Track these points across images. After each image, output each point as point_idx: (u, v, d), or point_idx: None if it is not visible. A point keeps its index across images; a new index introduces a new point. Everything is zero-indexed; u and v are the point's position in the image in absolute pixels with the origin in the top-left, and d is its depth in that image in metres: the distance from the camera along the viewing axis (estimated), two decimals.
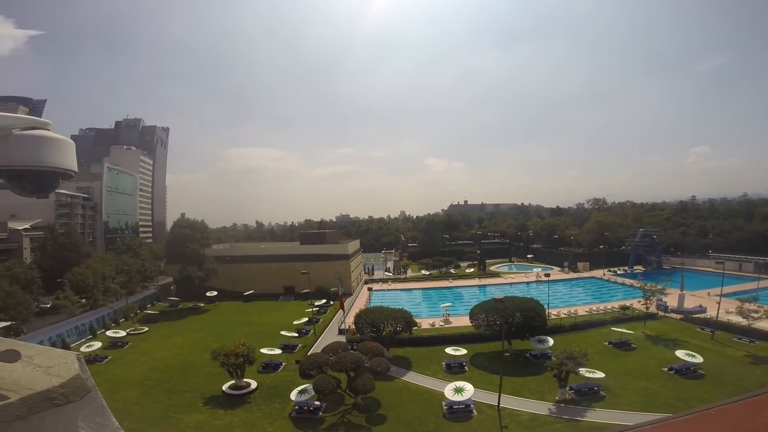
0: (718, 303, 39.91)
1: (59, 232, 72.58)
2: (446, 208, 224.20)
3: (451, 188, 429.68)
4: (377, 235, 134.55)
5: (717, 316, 38.85)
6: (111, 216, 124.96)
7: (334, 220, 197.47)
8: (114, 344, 41.65)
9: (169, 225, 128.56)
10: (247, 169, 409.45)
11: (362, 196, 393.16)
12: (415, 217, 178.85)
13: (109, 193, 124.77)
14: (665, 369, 30.38)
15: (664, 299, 46.16)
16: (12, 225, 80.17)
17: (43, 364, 1.71)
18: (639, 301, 45.74)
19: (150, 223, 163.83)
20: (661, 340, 37.09)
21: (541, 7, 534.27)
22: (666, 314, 45.50)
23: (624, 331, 37.89)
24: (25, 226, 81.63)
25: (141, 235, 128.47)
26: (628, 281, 65.42)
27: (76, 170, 2.51)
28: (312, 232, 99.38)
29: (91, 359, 36.04)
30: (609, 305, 49.53)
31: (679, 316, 44.54)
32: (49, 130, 2.40)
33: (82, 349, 37.80)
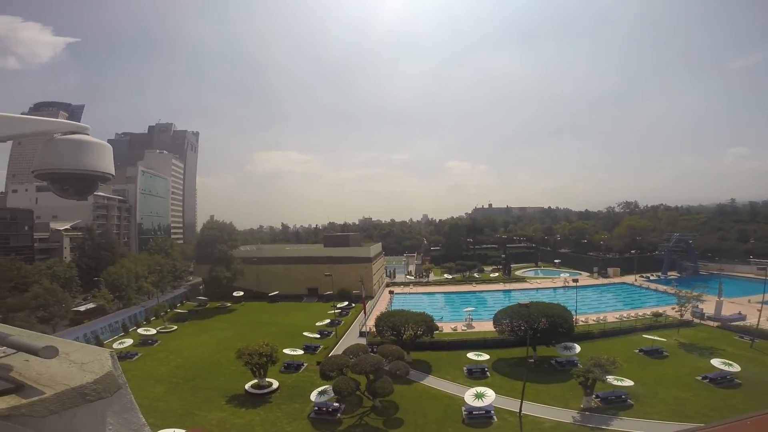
0: (759, 310, 37.99)
1: (96, 233, 76.13)
2: (470, 212, 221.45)
3: (474, 191, 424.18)
4: (399, 239, 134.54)
5: (758, 324, 36.93)
6: (144, 218, 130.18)
7: (357, 223, 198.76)
8: (144, 342, 43.02)
9: (198, 227, 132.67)
10: (273, 172, 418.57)
11: (385, 200, 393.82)
12: (437, 220, 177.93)
13: (143, 196, 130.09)
14: (699, 378, 29.15)
15: (700, 306, 44.21)
16: (54, 225, 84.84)
17: (78, 361, 1.76)
18: (673, 308, 43.94)
19: (181, 225, 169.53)
20: (695, 348, 35.53)
21: (562, 6, 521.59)
22: (702, 322, 43.57)
23: (656, 338, 36.47)
24: (66, 227, 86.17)
25: (172, 236, 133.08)
26: (661, 287, 62.80)
27: (114, 174, 2.60)
28: (335, 234, 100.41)
29: (122, 356, 37.34)
30: (640, 312, 47.84)
31: (715, 324, 42.62)
32: (88, 134, 2.48)
33: (115, 345, 39.20)
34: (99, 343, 41.07)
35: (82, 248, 70.25)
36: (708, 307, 44.76)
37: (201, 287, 70.99)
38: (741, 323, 41.04)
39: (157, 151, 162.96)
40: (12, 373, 1.60)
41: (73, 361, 1.74)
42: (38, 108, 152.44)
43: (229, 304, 61.78)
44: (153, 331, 45.42)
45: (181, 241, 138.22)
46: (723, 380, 28.17)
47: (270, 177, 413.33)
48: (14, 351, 1.69)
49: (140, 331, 45.34)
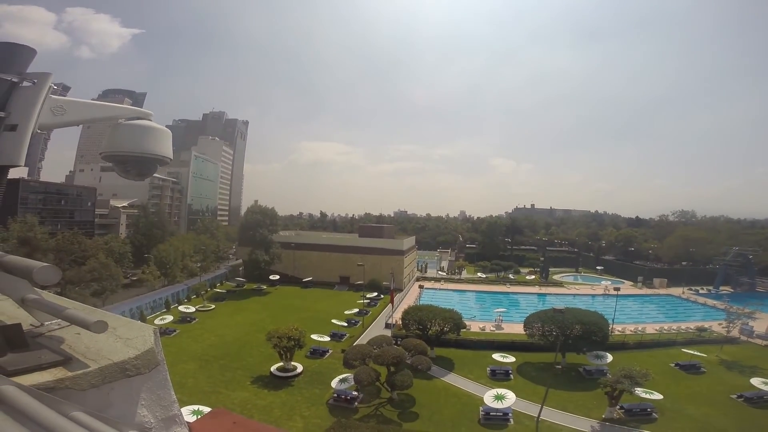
0: None
1: (150, 211, 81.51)
2: (510, 211, 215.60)
3: (517, 190, 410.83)
4: (434, 234, 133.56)
5: None
6: (194, 199, 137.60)
7: (392, 215, 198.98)
8: (183, 319, 44.76)
9: (243, 211, 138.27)
10: (316, 162, 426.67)
11: (422, 194, 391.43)
12: (475, 218, 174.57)
13: (194, 179, 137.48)
14: (734, 396, 27.58)
15: (751, 323, 41.30)
16: (113, 203, 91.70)
17: (124, 336, 1.84)
18: (720, 324, 41.40)
19: (227, 208, 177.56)
20: (737, 366, 33.50)
21: (626, 3, 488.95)
22: (750, 339, 40.77)
23: (695, 353, 34.41)
24: (123, 204, 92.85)
25: (218, 219, 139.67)
26: (710, 302, 59.05)
27: (172, 158, 2.86)
28: (370, 225, 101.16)
29: (162, 332, 38.66)
30: (683, 325, 45.21)
31: (764, 343, 39.90)
32: (150, 120, 2.71)
33: (156, 321, 40.94)
34: (143, 318, 43.20)
35: (137, 225, 75.27)
36: (759, 325, 41.78)
37: (240, 269, 74.03)
38: None
39: (210, 137, 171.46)
40: (63, 345, 1.70)
41: (119, 336, 1.83)
42: (106, 95, 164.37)
43: (264, 287, 63.89)
44: (192, 309, 47.10)
45: (226, 224, 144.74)
46: (759, 400, 26.65)
47: (313, 166, 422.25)
48: (68, 324, 1.78)
49: (181, 308, 47.15)
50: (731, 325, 40.07)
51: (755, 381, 27.56)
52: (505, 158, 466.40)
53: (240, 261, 76.30)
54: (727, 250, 75.63)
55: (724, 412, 25.47)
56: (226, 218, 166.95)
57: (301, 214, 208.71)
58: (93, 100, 2.77)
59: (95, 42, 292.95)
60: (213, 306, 51.97)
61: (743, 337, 40.93)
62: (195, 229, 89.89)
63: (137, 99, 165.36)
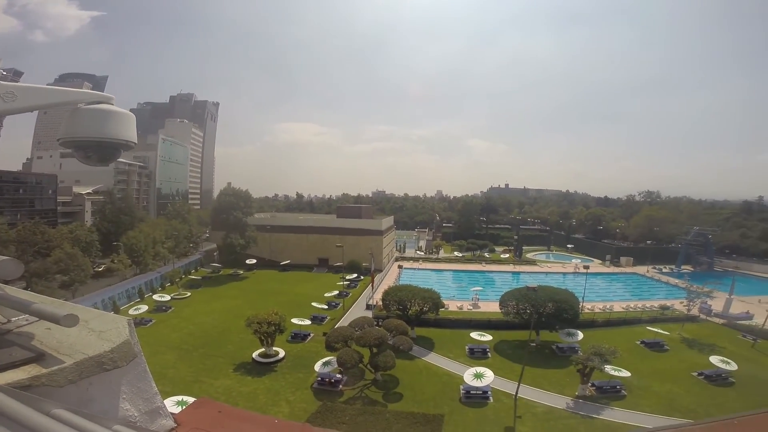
0: None
1: (117, 197, 78.21)
2: (485, 191, 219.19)
3: (492, 170, 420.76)
4: (412, 213, 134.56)
5: (764, 324, 36.43)
6: (163, 183, 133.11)
7: (370, 195, 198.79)
8: (159, 308, 43.79)
9: (216, 193, 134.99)
10: (291, 143, 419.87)
11: (400, 174, 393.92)
12: (452, 197, 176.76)
13: (163, 162, 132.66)
14: (695, 374, 29.15)
15: (709, 302, 43.50)
16: (76, 189, 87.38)
17: (97, 329, 1.78)
18: (681, 302, 43.52)
19: (198, 191, 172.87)
20: (697, 344, 35.34)
21: None
22: (708, 318, 42.94)
23: (659, 331, 36.37)
24: (88, 191, 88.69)
25: (190, 202, 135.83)
26: (673, 280, 61.85)
27: (136, 142, 2.70)
28: (348, 206, 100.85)
29: (137, 322, 37.75)
30: (648, 304, 47.37)
31: (721, 321, 42.01)
32: (112, 104, 2.57)
33: (131, 312, 39.95)
34: (116, 309, 42.12)
35: (103, 212, 72.13)
36: (717, 303, 44.02)
37: (215, 254, 72.64)
38: (747, 322, 40.37)
39: (178, 120, 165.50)
40: (33, 341, 1.63)
41: (91, 329, 1.77)
42: (63, 79, 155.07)
43: (241, 272, 63.04)
44: (167, 298, 46.13)
45: (198, 207, 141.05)
46: (717, 378, 28.14)
47: (288, 147, 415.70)
48: (36, 319, 1.73)
49: (155, 297, 46.11)
50: (691, 303, 42.09)
51: (713, 359, 29.10)
52: (481, 139, 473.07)
53: (214, 246, 74.78)
54: (689, 229, 79.28)
55: (686, 390, 26.94)
56: (198, 202, 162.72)
57: (276, 195, 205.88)
58: (49, 85, 2.60)
59: (51, 26, 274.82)
60: (189, 293, 50.90)
61: (702, 316, 43.08)
62: (165, 214, 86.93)
63: (98, 83, 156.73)
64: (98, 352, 1.60)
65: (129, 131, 2.62)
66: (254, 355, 30.86)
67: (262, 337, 30.38)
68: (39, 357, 1.52)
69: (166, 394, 21.32)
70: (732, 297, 44.33)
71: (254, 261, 66.73)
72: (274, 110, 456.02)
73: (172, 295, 48.36)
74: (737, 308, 43.81)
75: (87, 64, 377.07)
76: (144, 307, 42.04)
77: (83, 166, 3.05)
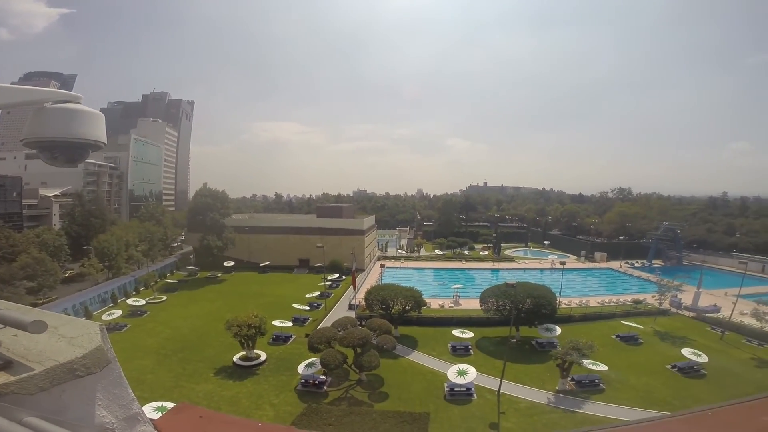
0: (734, 303, 38.93)
1: (87, 199, 75.25)
2: (465, 189, 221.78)
3: (471, 169, 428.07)
4: (393, 212, 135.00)
5: (730, 317, 37.98)
6: (136, 184, 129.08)
7: (351, 194, 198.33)
8: (134, 313, 42.61)
9: (191, 194, 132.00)
10: (271, 142, 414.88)
11: (381, 173, 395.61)
12: (432, 195, 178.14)
13: (135, 163, 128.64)
14: (669, 366, 30.04)
15: (679, 296, 45.14)
16: (43, 192, 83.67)
17: (67, 335, 1.73)
18: (653, 296, 44.97)
19: (173, 192, 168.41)
20: (669, 337, 36.53)
21: None
22: (679, 311, 44.48)
23: (633, 325, 37.41)
24: (55, 193, 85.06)
25: (164, 203, 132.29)
26: (644, 275, 63.99)
27: (106, 142, 2.64)
28: (329, 205, 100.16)
29: (111, 328, 36.86)
30: (622, 298, 48.82)
31: (691, 314, 43.53)
32: (79, 103, 2.50)
33: (104, 317, 38.69)
34: (88, 314, 40.77)
35: (72, 215, 69.38)
36: (686, 297, 45.67)
37: (191, 256, 71.03)
38: (715, 315, 41.94)
39: (151, 119, 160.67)
40: (0, 349, 1.59)
41: (62, 336, 1.72)
42: (29, 78, 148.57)
43: (219, 274, 61.96)
44: (142, 302, 44.97)
45: (173, 209, 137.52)
46: (690, 370, 29.10)
47: (267, 146, 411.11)
48: (2, 326, 1.67)
49: (129, 301, 44.87)
50: (662, 297, 43.61)
51: (686, 351, 29.99)
52: (461, 138, 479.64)
53: (190, 248, 73.07)
54: (659, 225, 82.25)
55: (662, 382, 27.81)
56: (173, 203, 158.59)
57: (254, 196, 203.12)
58: (13, 84, 2.48)
59: (16, 23, 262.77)
60: (164, 297, 49.73)
61: (673, 309, 44.61)
62: (139, 216, 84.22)
63: (66, 82, 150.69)
64: (69, 359, 1.54)
65: (97, 131, 2.55)
66: (235, 358, 30.31)
67: (243, 340, 29.87)
68: (6, 365, 1.47)
69: (145, 400, 20.80)
70: (700, 290, 46.13)
71: (232, 263, 65.58)
72: (252, 108, 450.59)
73: (147, 299, 47.23)
74: (705, 301, 45.55)
75: (55, 62, 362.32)
76: (118, 312, 40.93)
77: (50, 167, 2.93)
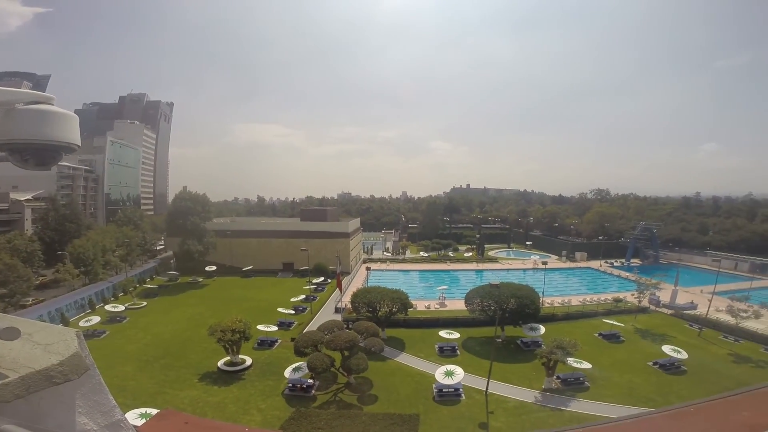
0: (710, 300, 40.08)
1: (61, 204, 72.75)
2: (448, 191, 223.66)
3: (454, 171, 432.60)
4: (378, 215, 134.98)
5: (707, 314, 39.09)
6: (113, 188, 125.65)
7: (336, 197, 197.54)
8: (112, 319, 41.71)
9: (171, 198, 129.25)
10: (253, 144, 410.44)
11: (365, 175, 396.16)
12: (416, 198, 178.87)
13: (112, 166, 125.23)
14: (650, 363, 30.66)
15: (657, 294, 46.36)
16: (14, 196, 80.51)
17: (42, 342, 1.70)
18: (632, 295, 46.02)
19: (151, 196, 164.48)
20: (649, 335, 37.36)
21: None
22: (657, 309, 45.63)
23: (614, 323, 38.22)
24: (27, 197, 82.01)
25: (142, 208, 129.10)
26: (624, 274, 65.48)
27: (80, 144, 2.52)
28: (313, 208, 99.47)
29: (89, 334, 36.14)
30: (602, 297, 49.83)
31: (669, 312, 44.64)
32: (52, 104, 2.41)
33: (81, 323, 37.96)
34: (64, 321, 39.92)
35: (45, 220, 67.08)
36: (664, 294, 46.94)
37: (172, 261, 69.54)
38: (692, 312, 43.18)
39: (128, 121, 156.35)
40: None
41: (36, 342, 1.69)
42: (0, 78, 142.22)
43: (201, 279, 60.89)
44: (121, 308, 44.01)
45: (152, 213, 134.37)
46: (671, 366, 29.79)
47: (249, 149, 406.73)
48: None
49: (108, 307, 43.97)
50: (641, 295, 44.66)
51: (666, 348, 30.80)
52: (444, 141, 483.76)
53: (170, 253, 71.48)
54: (636, 224, 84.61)
55: (644, 379, 28.37)
56: (152, 207, 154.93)
57: (236, 199, 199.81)
58: None
59: None
60: (144, 303, 48.63)
61: (652, 307, 45.78)
62: (116, 220, 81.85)
63: (39, 82, 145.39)
64: (45, 366, 1.51)
65: (71, 133, 2.44)
66: (219, 363, 29.78)
67: (227, 346, 29.44)
68: None
69: (128, 407, 20.27)
70: (677, 288, 47.47)
71: (214, 268, 64.46)
72: (234, 110, 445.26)
73: (126, 305, 46.19)
74: (682, 299, 46.85)
75: (28, 62, 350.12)
76: (96, 318, 40.02)
77: (21, 170, 2.81)
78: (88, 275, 51.09)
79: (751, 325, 36.63)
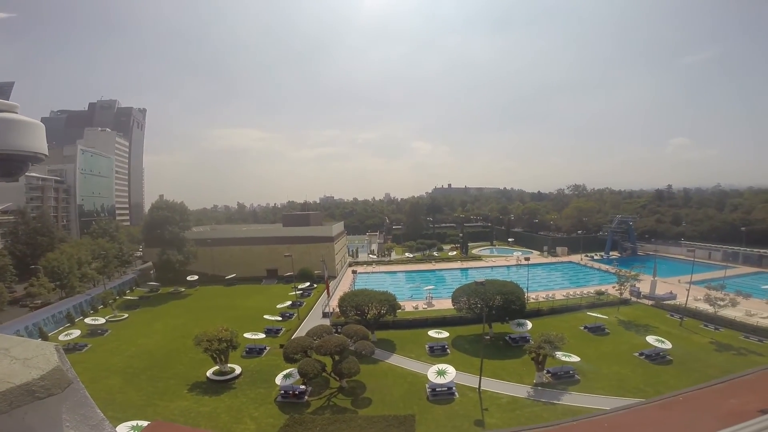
0: (688, 290, 41.18)
1: (31, 216, 70.04)
2: (430, 191, 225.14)
3: (436, 171, 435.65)
4: (362, 217, 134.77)
5: (686, 303, 40.16)
6: (86, 199, 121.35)
7: (318, 201, 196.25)
8: (93, 332, 40.77)
9: (147, 207, 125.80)
10: (230, 149, 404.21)
11: (348, 178, 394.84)
12: (399, 199, 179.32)
13: (83, 176, 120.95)
14: (636, 354, 31.30)
15: (637, 285, 47.47)
16: None
17: (20, 356, 1.68)
18: (614, 287, 47.05)
19: (127, 206, 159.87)
20: (633, 326, 38.14)
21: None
22: (638, 300, 46.63)
23: (599, 316, 38.96)
24: None
25: (118, 218, 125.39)
26: (604, 267, 66.93)
27: (47, 153, 2.42)
28: (295, 213, 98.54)
29: (70, 348, 35.34)
30: (585, 290, 50.67)
31: (650, 302, 45.70)
32: (16, 113, 2.31)
33: (61, 337, 36.98)
34: (43, 335, 38.79)
35: (16, 233, 64.44)
36: (644, 286, 48.11)
37: (151, 272, 67.81)
38: (672, 302, 44.28)
39: (99, 128, 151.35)
40: None
41: (14, 357, 1.67)
42: None
43: (183, 289, 59.59)
44: (102, 321, 43.03)
45: (128, 223, 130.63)
46: (657, 357, 30.45)
47: (227, 155, 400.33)
48: None
49: (87, 320, 42.87)
50: (622, 287, 45.70)
51: (650, 339, 31.48)
52: (425, 141, 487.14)
53: (149, 263, 69.61)
54: (613, 218, 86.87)
55: (632, 370, 28.93)
56: (128, 217, 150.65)
57: (215, 206, 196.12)
58: None
59: None
60: (126, 315, 47.42)
61: (633, 298, 46.79)
62: (90, 232, 79.13)
63: (2, 90, 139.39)
64: (26, 381, 1.50)
65: (37, 142, 2.35)
66: (208, 373, 29.24)
67: (214, 355, 28.91)
68: None
69: (118, 420, 19.82)
70: (656, 279, 48.78)
71: (196, 277, 63.09)
72: (210, 115, 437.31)
73: (107, 317, 45.10)
74: (661, 289, 48.03)
75: None
76: (76, 332, 38.81)
77: None
78: (64, 289, 49.39)
79: (729, 313, 37.65)
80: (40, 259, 50.89)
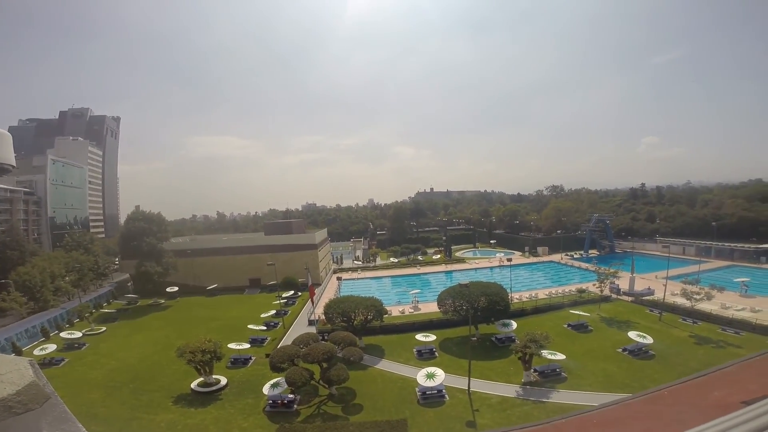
0: (665, 285, 42.27)
1: (0, 230, 67.05)
2: (413, 196, 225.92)
3: (419, 175, 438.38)
4: (345, 224, 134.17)
5: (664, 298, 41.18)
6: (58, 211, 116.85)
7: (300, 209, 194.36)
8: (70, 346, 39.56)
9: (123, 218, 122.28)
10: (209, 158, 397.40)
11: (331, 185, 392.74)
12: (383, 204, 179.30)
13: (55, 187, 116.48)
14: (620, 350, 31.86)
15: (617, 282, 48.52)
16: None
17: None
18: (594, 285, 47.97)
19: (101, 217, 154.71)
20: (614, 322, 38.89)
21: (506, 3, 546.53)
22: (618, 297, 47.59)
23: (581, 313, 39.65)
24: None
25: (92, 230, 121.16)
26: (583, 265, 68.17)
27: (14, 164, 2.34)
28: (277, 221, 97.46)
29: (46, 362, 34.14)
30: (567, 289, 51.64)
31: (630, 299, 46.74)
32: None
33: (36, 352, 35.74)
34: (16, 350, 37.49)
35: None
36: (623, 282, 49.24)
37: (129, 284, 65.97)
38: (650, 297, 45.40)
39: (71, 137, 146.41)
40: None
41: None
42: None
43: (162, 301, 58.27)
44: (78, 334, 41.69)
45: (103, 235, 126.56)
46: (639, 352, 31.03)
47: (206, 163, 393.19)
48: None
49: (63, 334, 41.72)
50: (602, 285, 46.49)
51: (632, 334, 32.00)
52: (406, 146, 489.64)
53: (127, 275, 67.60)
54: (590, 217, 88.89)
55: (616, 366, 29.40)
56: (102, 229, 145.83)
57: (194, 216, 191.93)
58: None
59: None
60: (104, 328, 46.19)
61: (614, 295, 47.73)
62: (63, 245, 76.28)
63: None
64: (2, 396, 1.49)
65: (4, 152, 2.27)
66: (193, 385, 28.54)
67: (198, 366, 28.31)
68: None
69: None
70: (634, 275, 49.93)
71: (176, 288, 61.61)
72: (187, 123, 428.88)
73: (83, 330, 43.84)
74: (640, 285, 49.25)
75: None
76: (52, 346, 37.71)
77: None
78: (38, 303, 47.52)
79: (705, 306, 38.71)
80: (10, 273, 48.86)
